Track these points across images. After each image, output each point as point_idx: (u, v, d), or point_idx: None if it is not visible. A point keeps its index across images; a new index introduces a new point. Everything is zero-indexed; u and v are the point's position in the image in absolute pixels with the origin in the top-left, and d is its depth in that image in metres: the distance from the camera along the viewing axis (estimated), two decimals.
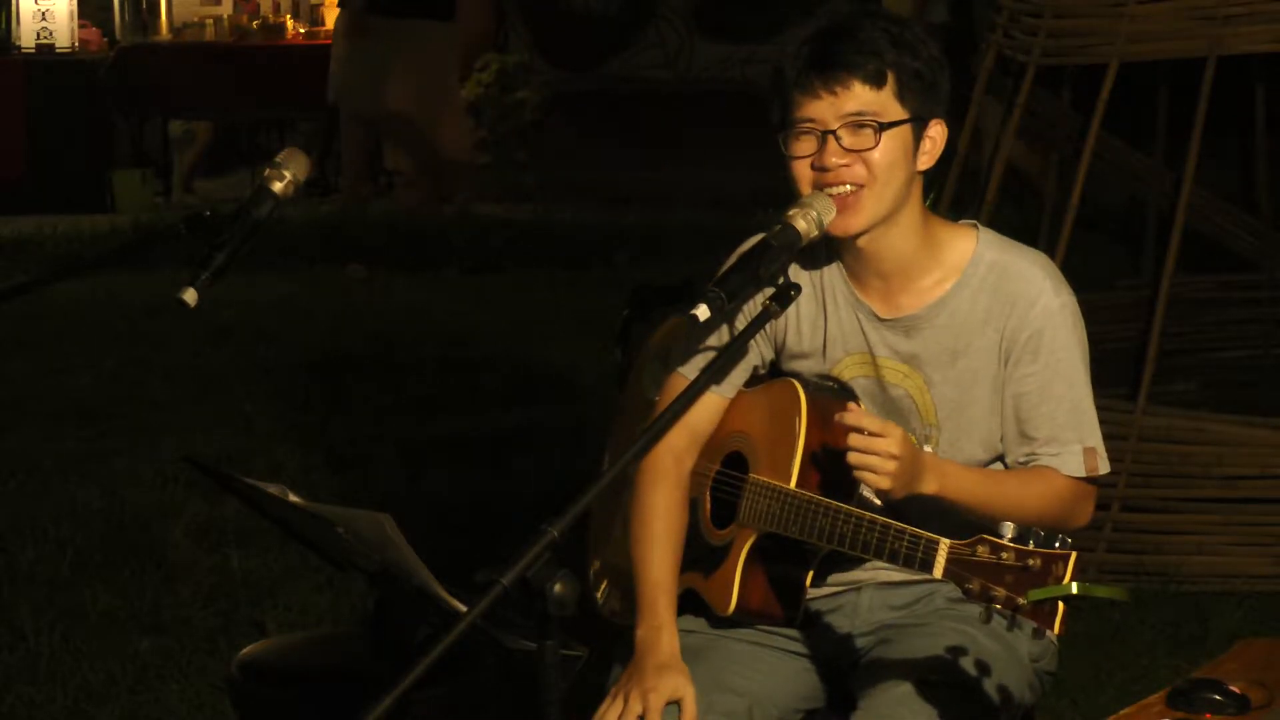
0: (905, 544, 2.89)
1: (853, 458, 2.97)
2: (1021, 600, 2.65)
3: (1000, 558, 2.68)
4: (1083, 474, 3.18)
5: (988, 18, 6.60)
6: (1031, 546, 2.66)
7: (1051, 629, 2.64)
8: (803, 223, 3.04)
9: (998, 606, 2.67)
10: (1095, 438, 3.20)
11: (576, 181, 12.39)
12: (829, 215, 3.08)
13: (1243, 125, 7.82)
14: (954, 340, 3.20)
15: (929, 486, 3.04)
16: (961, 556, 2.74)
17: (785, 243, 3.03)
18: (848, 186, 3.11)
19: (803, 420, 3.17)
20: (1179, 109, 6.70)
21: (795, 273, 3.25)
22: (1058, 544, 2.65)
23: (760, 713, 3.23)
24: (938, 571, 2.80)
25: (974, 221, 3.29)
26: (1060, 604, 2.62)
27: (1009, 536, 2.69)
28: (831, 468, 3.13)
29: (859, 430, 2.96)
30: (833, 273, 3.26)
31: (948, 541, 2.80)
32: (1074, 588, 2.59)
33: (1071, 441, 3.18)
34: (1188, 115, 6.02)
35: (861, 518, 3.00)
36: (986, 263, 3.20)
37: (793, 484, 3.14)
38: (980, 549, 2.71)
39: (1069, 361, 3.19)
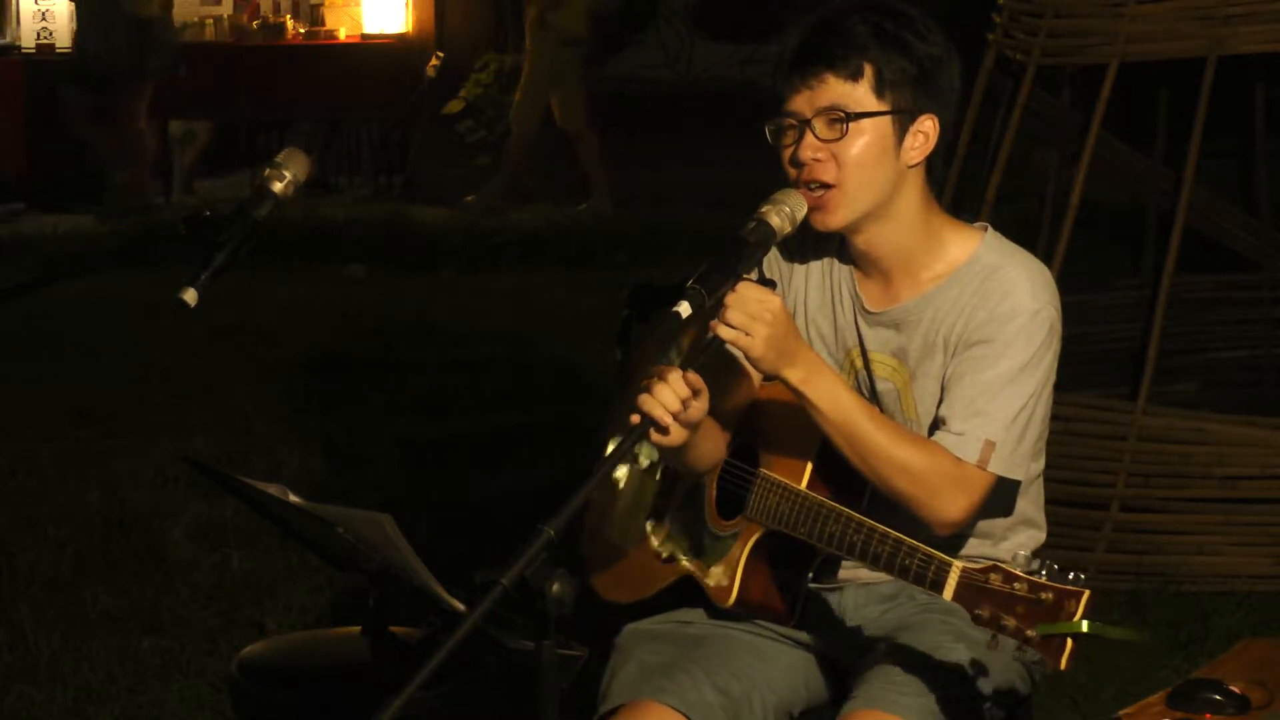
0: (917, 562, 2.85)
1: (729, 314, 2.94)
2: (1031, 633, 2.62)
3: (1013, 587, 2.65)
4: (974, 460, 3.06)
5: None
6: (1045, 579, 2.63)
7: (1058, 665, 2.62)
8: (776, 219, 3.03)
9: (1007, 636, 2.66)
10: (1006, 441, 3.07)
11: (576, 181, 12.38)
12: (801, 211, 3.06)
13: (1243, 125, 7.82)
14: (934, 335, 3.18)
15: (796, 372, 2.98)
16: (973, 581, 2.71)
17: (760, 239, 3.02)
18: (816, 187, 3.10)
19: None
20: (1179, 109, 6.70)
21: (809, 263, 3.27)
22: (1072, 579, 2.63)
23: (760, 699, 3.24)
24: (948, 594, 2.77)
25: (986, 224, 3.28)
26: (1069, 641, 2.60)
27: (1023, 567, 2.66)
28: (845, 472, 3.11)
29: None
30: (842, 264, 3.27)
31: (960, 564, 2.77)
32: (1084, 626, 2.57)
33: (976, 428, 3.07)
34: (1188, 115, 6.02)
35: (874, 529, 2.96)
36: (982, 264, 3.18)
37: (804, 485, 3.13)
38: (993, 577, 2.68)
39: (1014, 360, 3.10)
